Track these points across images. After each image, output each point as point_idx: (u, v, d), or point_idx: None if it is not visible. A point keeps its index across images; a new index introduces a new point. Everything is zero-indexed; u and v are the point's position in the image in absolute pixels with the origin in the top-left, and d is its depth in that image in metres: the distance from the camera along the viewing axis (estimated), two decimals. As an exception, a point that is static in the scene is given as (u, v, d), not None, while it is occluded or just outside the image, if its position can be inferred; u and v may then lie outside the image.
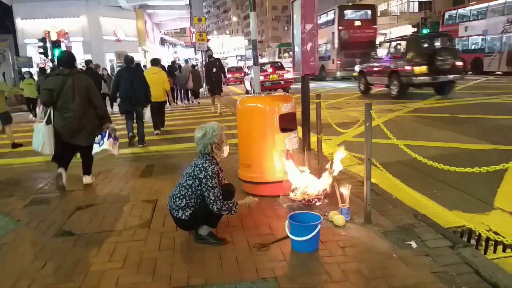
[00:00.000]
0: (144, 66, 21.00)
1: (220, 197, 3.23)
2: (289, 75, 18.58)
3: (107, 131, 5.23)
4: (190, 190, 3.27)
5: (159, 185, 5.17)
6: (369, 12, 25.47)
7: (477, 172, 2.71)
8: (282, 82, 18.49)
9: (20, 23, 26.14)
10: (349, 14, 25.36)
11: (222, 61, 15.35)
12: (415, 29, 28.20)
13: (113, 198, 4.76)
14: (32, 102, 14.96)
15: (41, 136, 4.83)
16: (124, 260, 3.14)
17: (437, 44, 14.07)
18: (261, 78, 16.61)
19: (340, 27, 24.36)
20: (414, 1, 43.43)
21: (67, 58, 5.05)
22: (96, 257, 3.22)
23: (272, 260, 3.02)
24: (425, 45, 13.88)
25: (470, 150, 6.37)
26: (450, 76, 13.03)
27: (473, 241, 3.42)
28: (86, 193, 5.00)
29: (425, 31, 26.96)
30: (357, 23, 24.76)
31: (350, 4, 32.80)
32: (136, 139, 8.11)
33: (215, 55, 14.38)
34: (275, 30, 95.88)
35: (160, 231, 3.68)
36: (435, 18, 32.88)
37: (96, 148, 5.24)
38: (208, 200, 3.21)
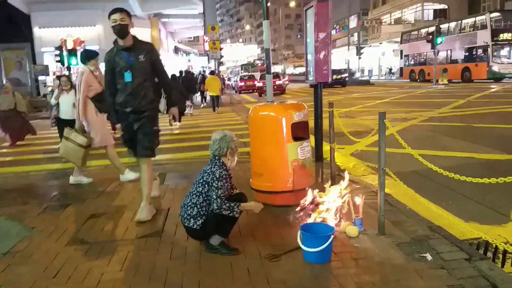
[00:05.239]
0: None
1: (222, 197, 3.21)
2: (280, 82, 27.50)
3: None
4: (201, 197, 3.27)
5: (171, 193, 5.18)
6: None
7: (494, 182, 2.66)
8: (275, 87, 24.52)
9: (38, 32, 26.72)
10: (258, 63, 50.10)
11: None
12: (430, 37, 27.82)
13: (125, 206, 4.78)
14: None
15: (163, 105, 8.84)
16: (136, 269, 3.14)
17: None
18: (260, 84, 25.46)
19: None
20: (428, 9, 43.17)
21: (173, 76, 11.39)
22: (108, 266, 3.23)
23: (283, 271, 2.99)
24: None
25: (486, 160, 6.26)
26: None
27: (489, 254, 3.33)
28: (99, 202, 5.03)
29: (439, 39, 26.62)
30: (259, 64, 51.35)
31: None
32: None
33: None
34: (288, 39, 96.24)
35: (172, 240, 3.67)
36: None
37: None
38: (211, 200, 3.21)
